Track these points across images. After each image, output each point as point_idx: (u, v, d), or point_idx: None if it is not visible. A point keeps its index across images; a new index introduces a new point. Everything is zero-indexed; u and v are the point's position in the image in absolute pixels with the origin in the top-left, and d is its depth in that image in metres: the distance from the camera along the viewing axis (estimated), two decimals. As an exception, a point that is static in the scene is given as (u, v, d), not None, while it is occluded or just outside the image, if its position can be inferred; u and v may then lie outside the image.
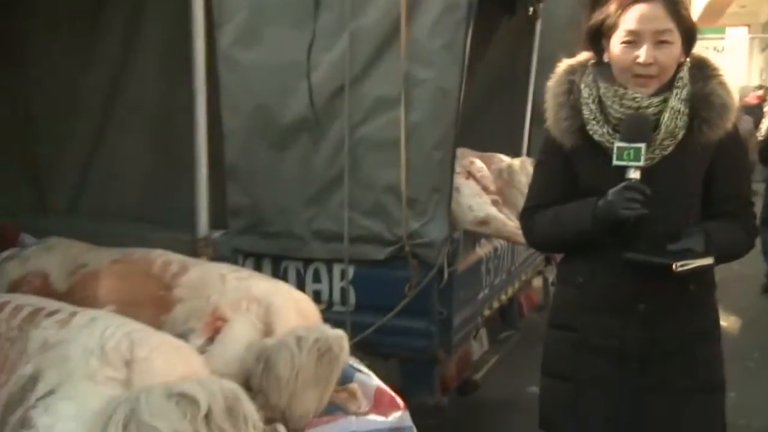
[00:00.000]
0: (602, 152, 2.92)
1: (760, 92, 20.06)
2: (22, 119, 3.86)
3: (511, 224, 4.82)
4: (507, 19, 6.39)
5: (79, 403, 2.15)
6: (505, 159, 5.38)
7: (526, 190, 5.27)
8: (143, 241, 3.24)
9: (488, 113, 6.48)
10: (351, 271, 4.39)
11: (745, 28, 32.05)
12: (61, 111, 3.76)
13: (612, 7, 2.93)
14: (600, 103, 2.95)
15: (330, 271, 4.49)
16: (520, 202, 5.24)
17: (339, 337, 2.75)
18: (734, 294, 8.39)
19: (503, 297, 5.57)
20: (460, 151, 4.93)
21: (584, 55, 3.14)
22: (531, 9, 6.22)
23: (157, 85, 3.58)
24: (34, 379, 2.21)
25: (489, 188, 4.91)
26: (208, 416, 2.13)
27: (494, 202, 4.88)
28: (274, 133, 4.42)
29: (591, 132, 2.95)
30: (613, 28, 2.91)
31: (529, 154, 6.06)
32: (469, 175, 4.86)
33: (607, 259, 2.97)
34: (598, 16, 3.01)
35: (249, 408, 2.24)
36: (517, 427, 5.65)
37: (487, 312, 5.23)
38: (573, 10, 6.67)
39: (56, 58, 3.72)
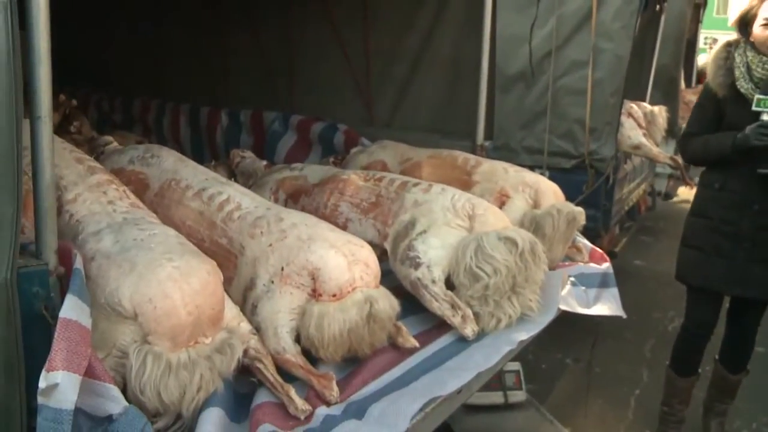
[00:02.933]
0: (744, 101, 2.91)
1: None
2: (362, 66, 3.94)
3: (654, 149, 4.67)
4: (643, 13, 6.10)
5: (442, 239, 2.27)
6: (648, 107, 5.15)
7: (661, 128, 5.12)
8: (437, 145, 3.29)
9: (629, 75, 6.24)
10: (547, 174, 4.22)
11: None
12: (385, 59, 3.81)
13: (754, 3, 2.95)
14: (747, 67, 2.93)
15: (533, 174, 4.43)
16: (658, 136, 5.09)
17: (580, 211, 2.76)
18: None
19: (633, 199, 5.40)
20: (623, 100, 4.77)
21: (735, 36, 3.09)
22: (658, 6, 5.94)
23: (453, 44, 3.56)
24: (412, 223, 2.34)
25: (641, 125, 4.74)
26: (521, 253, 2.20)
27: (644, 135, 4.71)
28: (502, 81, 4.29)
29: (739, 86, 2.94)
30: (754, 17, 2.93)
31: (650, 104, 5.84)
32: (629, 115, 4.69)
33: (736, 173, 2.99)
34: (745, 11, 3.00)
35: (541, 249, 2.31)
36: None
37: (626, 208, 5.10)
38: (682, 9, 6.33)
39: (388, 25, 3.74)
